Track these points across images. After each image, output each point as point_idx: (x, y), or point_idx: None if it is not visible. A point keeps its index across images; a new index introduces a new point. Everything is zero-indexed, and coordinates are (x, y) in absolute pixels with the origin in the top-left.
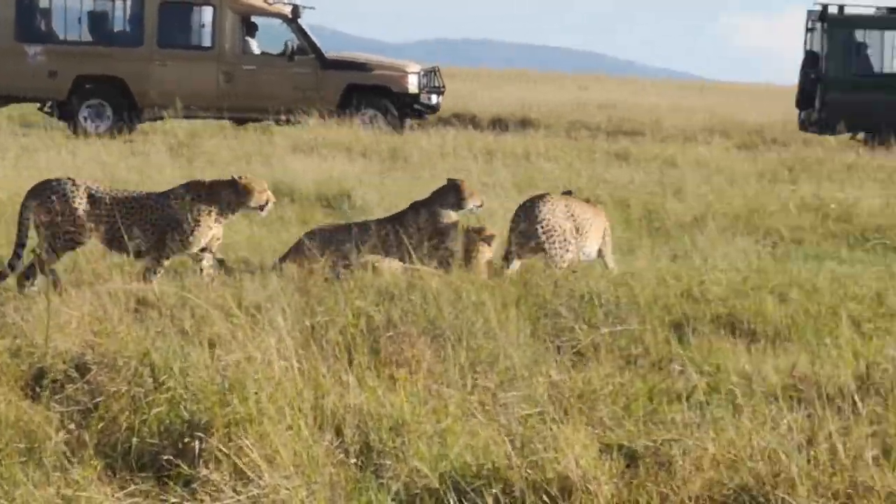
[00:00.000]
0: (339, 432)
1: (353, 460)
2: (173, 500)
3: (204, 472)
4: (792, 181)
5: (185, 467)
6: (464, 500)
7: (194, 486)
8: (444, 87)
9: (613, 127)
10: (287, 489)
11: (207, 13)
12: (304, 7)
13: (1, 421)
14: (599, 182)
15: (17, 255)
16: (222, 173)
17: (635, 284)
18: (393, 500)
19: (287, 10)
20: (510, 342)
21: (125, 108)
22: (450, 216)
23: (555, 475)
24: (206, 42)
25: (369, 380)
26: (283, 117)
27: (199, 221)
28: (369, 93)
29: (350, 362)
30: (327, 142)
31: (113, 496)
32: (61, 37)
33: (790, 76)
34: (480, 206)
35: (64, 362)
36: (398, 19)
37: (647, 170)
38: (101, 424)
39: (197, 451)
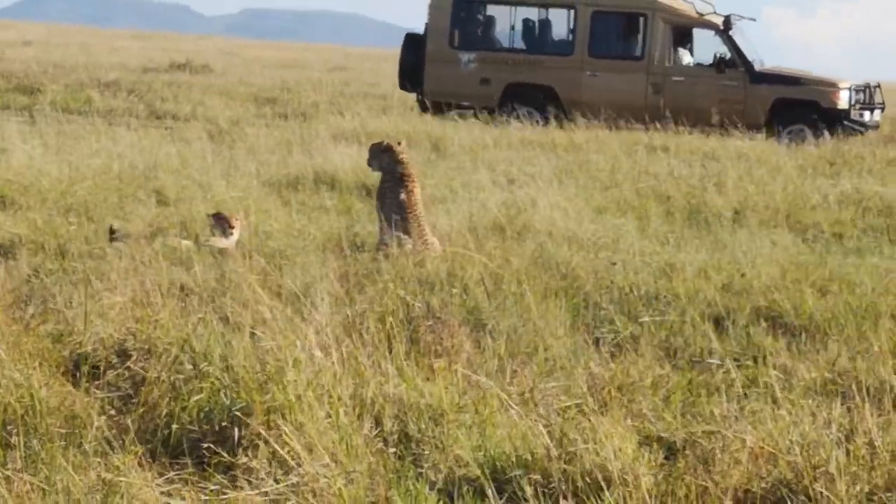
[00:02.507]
0: (378, 421)
1: (392, 449)
2: (213, 486)
3: (243, 459)
4: (832, 175)
5: (225, 454)
6: (503, 490)
7: (234, 473)
8: (883, 103)
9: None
10: (326, 477)
11: (639, 24)
12: (740, 17)
13: (43, 406)
14: (641, 174)
15: None
16: (263, 161)
17: (675, 277)
18: (432, 489)
19: (719, 20)
20: (550, 333)
21: (552, 116)
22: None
23: (593, 467)
24: (637, 52)
25: (408, 369)
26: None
27: None
28: (796, 107)
29: (390, 351)
30: (368, 131)
31: (153, 482)
32: (494, 45)
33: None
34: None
35: (105, 348)
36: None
37: (689, 162)
38: (141, 410)
39: (236, 438)
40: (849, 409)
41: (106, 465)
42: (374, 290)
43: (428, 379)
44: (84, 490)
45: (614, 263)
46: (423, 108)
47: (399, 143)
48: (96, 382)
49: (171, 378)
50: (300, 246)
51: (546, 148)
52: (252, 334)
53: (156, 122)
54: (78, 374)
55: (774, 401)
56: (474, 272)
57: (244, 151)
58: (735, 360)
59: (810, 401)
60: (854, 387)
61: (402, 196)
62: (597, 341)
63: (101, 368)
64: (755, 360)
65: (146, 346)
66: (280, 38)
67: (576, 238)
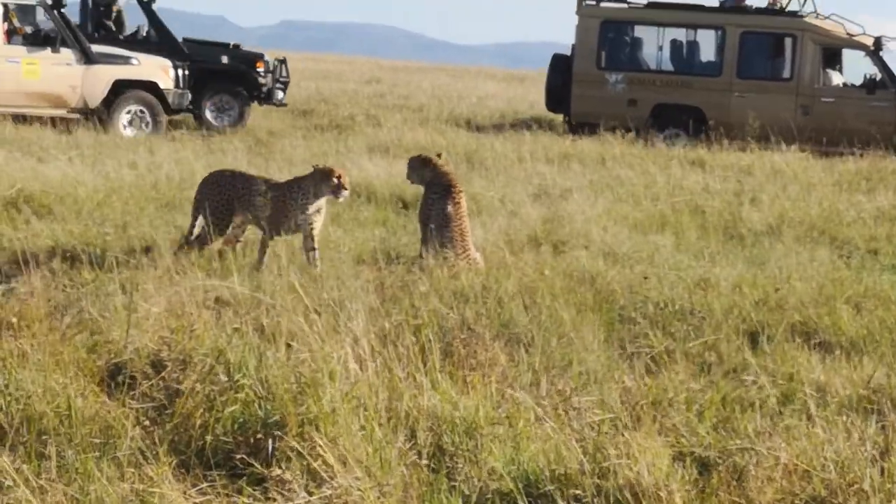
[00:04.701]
0: (412, 434)
1: (425, 462)
2: (245, 499)
3: (277, 471)
4: (868, 191)
5: (258, 466)
6: None
7: (267, 485)
8: None
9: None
10: (359, 490)
11: (788, 44)
12: (890, 38)
13: (77, 416)
14: (676, 189)
15: None
16: (299, 173)
17: (710, 292)
18: (465, 502)
19: (869, 41)
20: (584, 347)
21: (698, 137)
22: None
23: (626, 482)
24: (785, 73)
25: (443, 382)
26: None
27: None
28: None
29: (424, 364)
30: (403, 143)
31: (185, 493)
32: (642, 66)
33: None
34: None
35: (140, 359)
36: (471, 21)
37: (724, 177)
38: (175, 421)
39: (270, 450)
40: (883, 427)
41: (140, 475)
42: (408, 303)
43: (462, 392)
44: (117, 501)
45: (646, 277)
46: (571, 129)
47: (439, 156)
48: (131, 393)
49: (206, 389)
50: (336, 258)
51: (582, 162)
52: (287, 346)
53: (193, 132)
54: (113, 385)
55: (809, 417)
56: (509, 285)
57: (280, 162)
58: (770, 375)
59: (845, 418)
60: (889, 404)
61: (449, 208)
62: (631, 356)
63: (136, 379)
64: (790, 376)
65: (181, 357)
66: (316, 49)
67: (611, 252)
